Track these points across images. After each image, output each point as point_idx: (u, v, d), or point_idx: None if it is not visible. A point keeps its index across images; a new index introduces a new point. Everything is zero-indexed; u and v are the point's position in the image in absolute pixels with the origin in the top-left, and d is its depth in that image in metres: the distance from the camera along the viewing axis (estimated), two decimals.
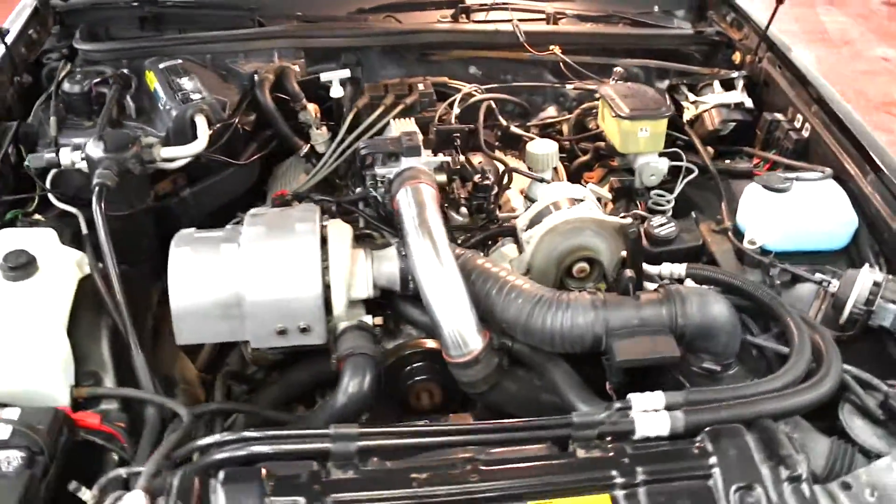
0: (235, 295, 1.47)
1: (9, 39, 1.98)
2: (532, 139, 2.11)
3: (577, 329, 1.40)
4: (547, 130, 2.25)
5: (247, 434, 1.19)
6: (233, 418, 1.61)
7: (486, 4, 2.23)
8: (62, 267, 1.56)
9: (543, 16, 2.23)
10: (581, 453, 1.17)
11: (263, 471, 1.12)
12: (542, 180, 1.86)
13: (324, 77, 2.02)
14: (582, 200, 1.66)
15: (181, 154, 1.76)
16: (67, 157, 1.70)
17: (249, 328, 1.50)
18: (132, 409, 1.48)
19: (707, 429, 1.18)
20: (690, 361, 1.49)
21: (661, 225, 1.78)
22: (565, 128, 2.24)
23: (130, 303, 1.52)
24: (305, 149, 2.04)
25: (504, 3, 2.23)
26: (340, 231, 1.55)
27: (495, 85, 2.23)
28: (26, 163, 1.72)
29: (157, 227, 1.87)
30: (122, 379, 1.53)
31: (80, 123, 1.94)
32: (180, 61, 2.05)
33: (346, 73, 2.04)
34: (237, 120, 1.94)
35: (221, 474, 1.12)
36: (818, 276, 1.63)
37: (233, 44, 2.08)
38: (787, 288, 1.69)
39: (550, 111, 2.31)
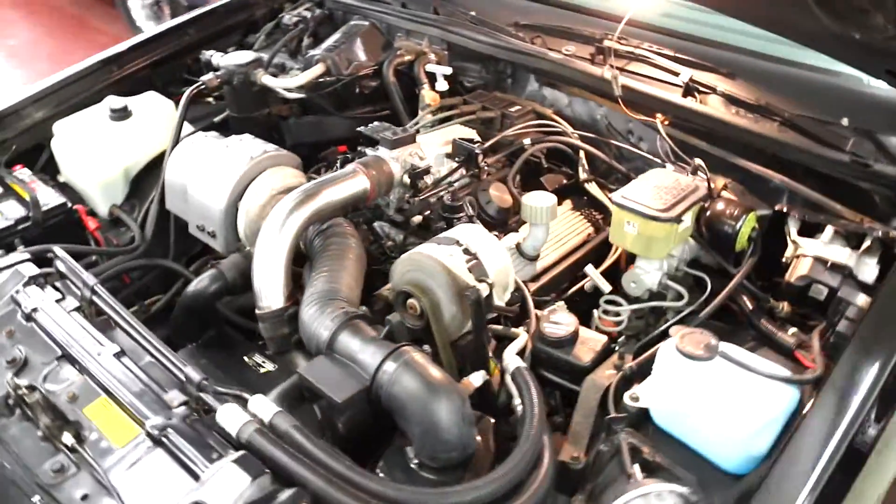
0: (187, 185, 1.98)
1: None
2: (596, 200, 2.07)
3: (312, 330, 1.52)
4: None
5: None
6: None
7: (630, 52, 2.14)
8: (156, 124, 2.29)
9: (679, 81, 2.03)
10: (167, 396, 1.38)
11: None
12: (471, 219, 1.85)
13: (429, 68, 2.30)
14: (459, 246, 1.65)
15: (275, 84, 2.30)
16: (217, 60, 2.40)
17: (188, 214, 2.00)
18: None
19: (240, 453, 1.25)
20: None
21: (554, 323, 1.63)
22: None
23: None
24: (409, 126, 2.36)
25: (645, 56, 2.10)
26: (275, 177, 1.90)
27: (587, 134, 2.16)
28: (200, 56, 2.48)
29: (268, 138, 2.46)
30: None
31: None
32: (366, 23, 2.56)
33: (448, 70, 2.28)
34: (349, 78, 2.37)
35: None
36: (635, 467, 1.35)
37: (399, 20, 2.49)
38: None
39: None
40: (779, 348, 1.69)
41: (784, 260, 1.80)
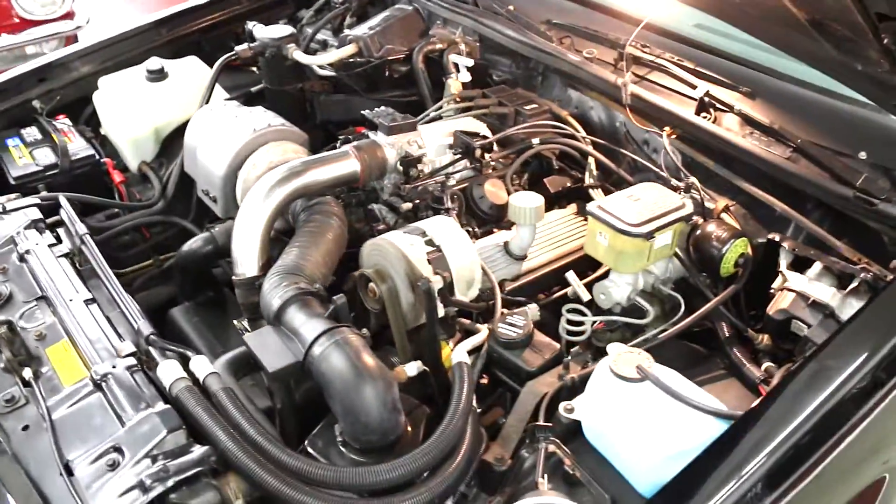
0: (197, 149, 2.10)
1: None
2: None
3: (267, 299, 1.60)
4: None
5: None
6: None
7: (651, 61, 2.09)
8: (190, 88, 2.41)
9: (694, 94, 1.96)
10: (119, 345, 1.50)
11: None
12: (447, 212, 1.87)
13: (452, 59, 2.33)
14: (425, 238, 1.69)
15: (305, 60, 2.38)
16: (258, 31, 2.50)
17: (197, 177, 2.12)
18: None
19: (163, 407, 1.35)
20: None
21: (509, 325, 1.64)
22: None
23: None
24: (430, 113, 2.40)
25: (664, 66, 2.04)
26: (275, 150, 1.99)
27: (599, 141, 2.13)
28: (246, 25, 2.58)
29: (299, 111, 2.54)
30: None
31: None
32: (409, 8, 2.61)
33: (470, 61, 2.29)
34: (379, 61, 2.42)
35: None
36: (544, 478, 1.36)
37: (438, 8, 2.52)
38: None
39: None
40: (745, 380, 1.65)
41: (771, 291, 1.74)
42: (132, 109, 2.34)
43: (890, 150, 1.79)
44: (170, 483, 1.23)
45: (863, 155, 1.78)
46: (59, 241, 1.78)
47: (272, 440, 1.32)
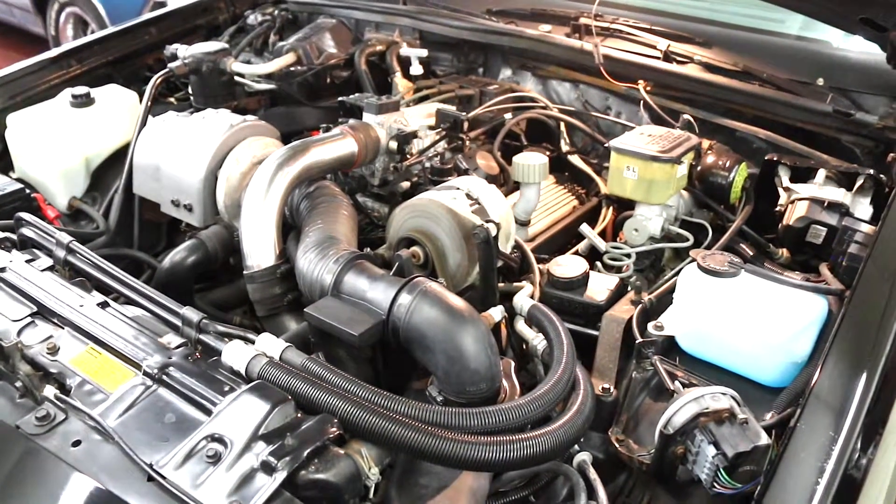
0: (159, 162, 1.85)
1: None
2: (578, 170, 2.04)
3: (314, 276, 1.41)
4: None
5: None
6: None
7: (607, 28, 2.16)
8: (118, 116, 2.15)
9: (657, 52, 2.05)
10: (161, 340, 1.24)
11: None
12: (466, 172, 1.79)
13: (403, 52, 2.27)
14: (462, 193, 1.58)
15: (245, 70, 2.22)
16: (182, 52, 2.30)
17: (161, 193, 1.87)
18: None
19: (255, 382, 1.13)
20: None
21: (562, 266, 1.56)
22: None
23: None
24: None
25: (621, 30, 2.13)
26: (256, 145, 1.80)
27: (567, 108, 2.16)
28: (165, 49, 2.37)
29: None
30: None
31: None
32: (333, 21, 2.53)
33: (423, 52, 2.25)
34: (320, 67, 2.30)
35: None
36: (677, 383, 1.27)
37: (368, 14, 2.47)
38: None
39: None
40: None
41: (777, 209, 1.79)
42: (60, 138, 2.03)
43: (841, 74, 1.95)
44: (303, 457, 1.01)
45: (820, 81, 1.92)
46: (32, 258, 1.48)
47: (392, 397, 1.14)
